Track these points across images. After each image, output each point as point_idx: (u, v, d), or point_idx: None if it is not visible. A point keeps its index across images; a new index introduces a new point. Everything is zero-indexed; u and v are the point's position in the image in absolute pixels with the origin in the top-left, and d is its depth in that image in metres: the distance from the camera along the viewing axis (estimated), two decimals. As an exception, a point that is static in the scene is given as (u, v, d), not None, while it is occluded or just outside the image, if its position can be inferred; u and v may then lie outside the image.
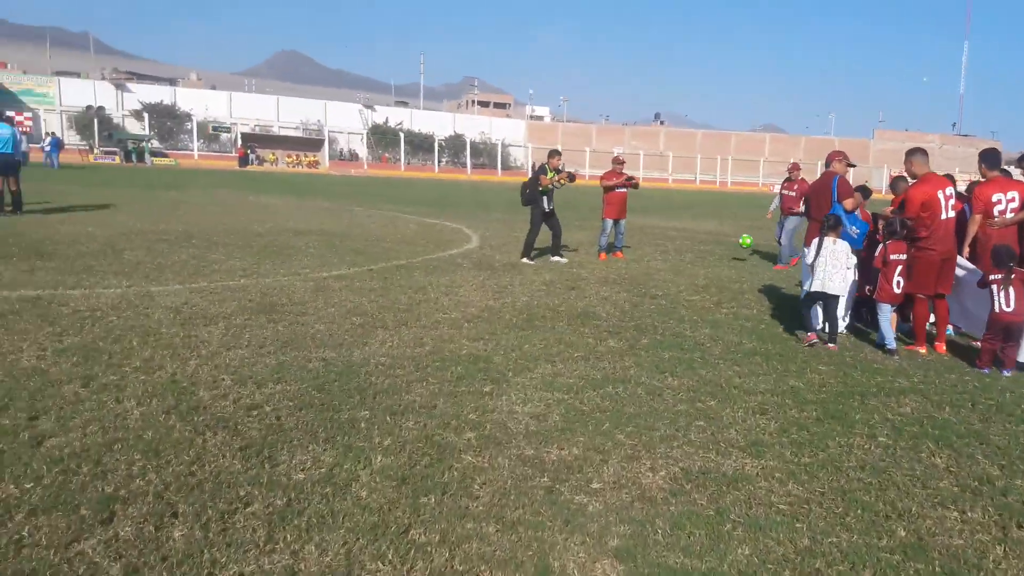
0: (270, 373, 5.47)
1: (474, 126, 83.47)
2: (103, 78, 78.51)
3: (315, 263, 10.96)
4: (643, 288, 10.30)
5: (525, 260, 12.28)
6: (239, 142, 61.95)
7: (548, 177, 12.40)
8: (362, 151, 71.64)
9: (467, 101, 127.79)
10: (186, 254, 10.96)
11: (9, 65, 77.60)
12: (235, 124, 67.46)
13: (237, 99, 75.42)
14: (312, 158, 63.83)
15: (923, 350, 7.25)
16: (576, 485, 3.89)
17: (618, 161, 13.80)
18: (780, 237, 14.13)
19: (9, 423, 4.17)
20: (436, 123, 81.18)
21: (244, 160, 55.49)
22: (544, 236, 12.78)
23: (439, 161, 72.98)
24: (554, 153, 12.94)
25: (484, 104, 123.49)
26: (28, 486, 3.48)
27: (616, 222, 13.64)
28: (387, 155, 73.80)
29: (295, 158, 63.10)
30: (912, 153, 7.39)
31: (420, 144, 75.51)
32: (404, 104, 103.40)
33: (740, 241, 13.78)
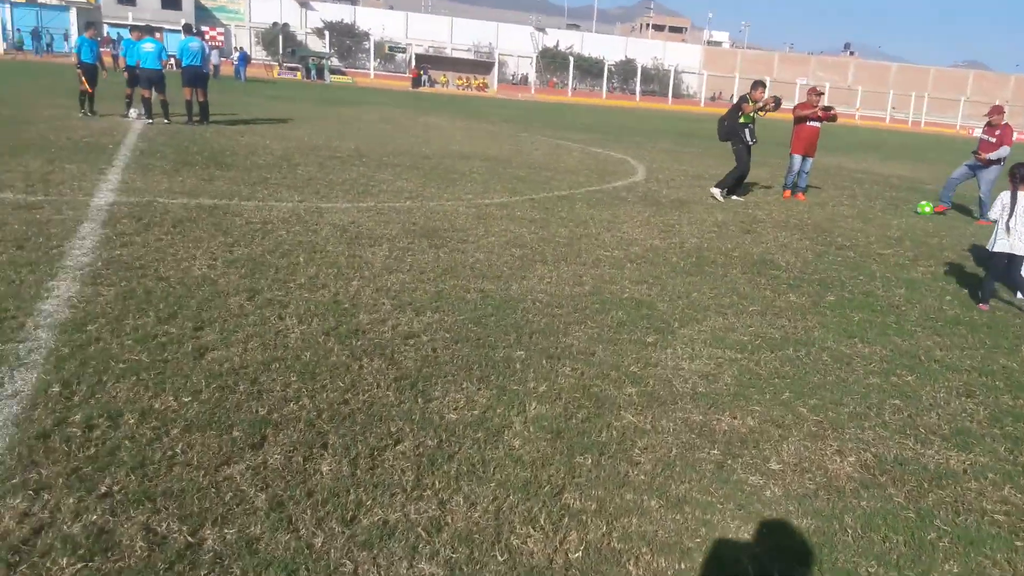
0: (428, 301, 5.35)
1: (647, 51, 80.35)
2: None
3: (478, 189, 10.81)
4: (828, 236, 9.39)
5: (716, 192, 11.66)
6: (413, 62, 63.03)
7: (751, 105, 11.49)
8: (531, 75, 70.95)
9: (641, 25, 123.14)
10: (356, 172, 11.13)
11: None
12: (410, 44, 68.61)
13: (414, 20, 76.51)
14: (481, 81, 63.99)
15: None
16: (751, 463, 3.46)
17: (816, 92, 12.50)
18: (967, 186, 12.45)
19: (176, 332, 4.26)
20: (607, 47, 78.86)
21: (417, 81, 56.46)
22: (722, 169, 11.96)
23: (608, 87, 71.10)
24: (758, 84, 11.98)
25: (659, 28, 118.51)
26: (186, 400, 3.51)
27: (804, 159, 12.53)
28: (555, 80, 72.76)
29: (465, 80, 63.52)
30: None
31: (589, 69, 73.73)
32: (575, 27, 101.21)
33: (918, 209, 12.24)
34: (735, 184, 11.81)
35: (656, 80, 76.18)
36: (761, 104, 11.47)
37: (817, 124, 12.50)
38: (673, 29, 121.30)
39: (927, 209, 12.18)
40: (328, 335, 4.48)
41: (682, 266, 7.20)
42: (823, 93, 12.82)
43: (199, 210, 7.51)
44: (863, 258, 8.27)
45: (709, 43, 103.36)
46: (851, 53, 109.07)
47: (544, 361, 4.41)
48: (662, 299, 5.99)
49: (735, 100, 11.96)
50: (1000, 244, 6.63)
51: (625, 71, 75.91)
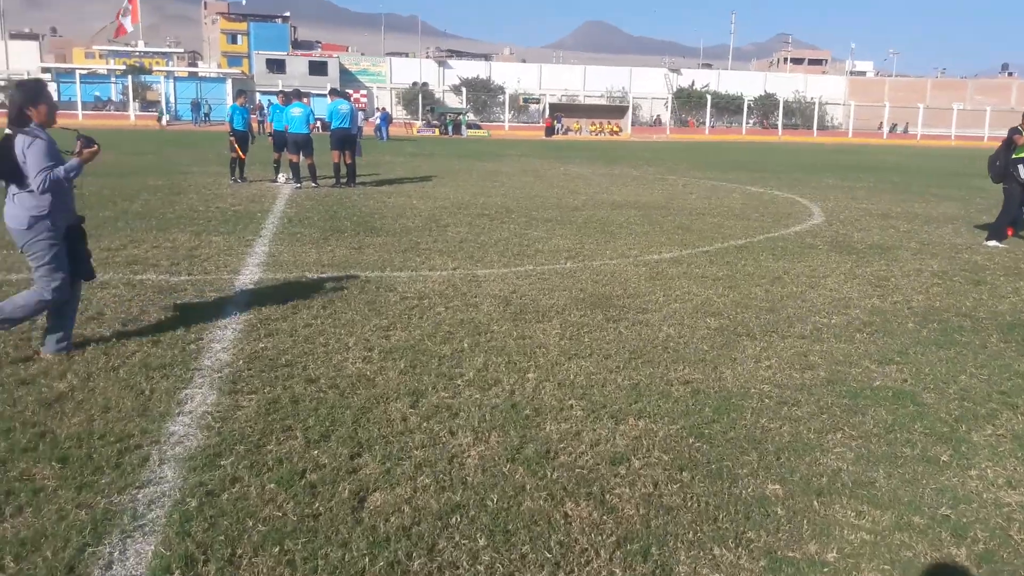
0: (625, 399, 4.25)
1: (787, 85, 77.27)
2: (427, 57, 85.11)
3: (641, 242, 9.70)
4: (1091, 287, 7.59)
5: (993, 243, 10.19)
6: (547, 112, 63.21)
7: None
8: (665, 116, 69.52)
9: (778, 59, 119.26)
10: (507, 231, 10.29)
11: (349, 49, 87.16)
12: (543, 95, 69.04)
13: (546, 71, 77.32)
14: (613, 126, 63.21)
15: None
16: None
17: None
18: None
19: (328, 463, 3.35)
20: (745, 83, 76.40)
21: (551, 130, 56.34)
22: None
23: (747, 123, 68.55)
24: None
25: (797, 62, 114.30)
26: (345, 585, 2.54)
27: None
28: (692, 119, 70.97)
29: (598, 126, 62.93)
30: None
31: (726, 106, 71.52)
32: (709, 66, 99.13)
33: None
34: (1000, 229, 10.34)
35: (798, 113, 72.84)
36: None
37: None
38: (813, 62, 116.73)
39: None
40: (514, 461, 3.45)
41: (925, 335, 5.75)
42: None
43: (350, 285, 6.80)
44: None
45: (852, 73, 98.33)
46: (1010, 73, 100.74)
47: (815, 502, 3.17)
48: (926, 387, 4.60)
49: (1010, 130, 10.39)
50: None
51: (765, 106, 73.13)
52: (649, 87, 74.54)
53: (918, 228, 11.68)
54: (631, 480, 3.31)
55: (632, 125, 65.19)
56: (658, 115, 71.93)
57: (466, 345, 5.15)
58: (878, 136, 63.47)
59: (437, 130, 53.41)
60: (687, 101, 71.86)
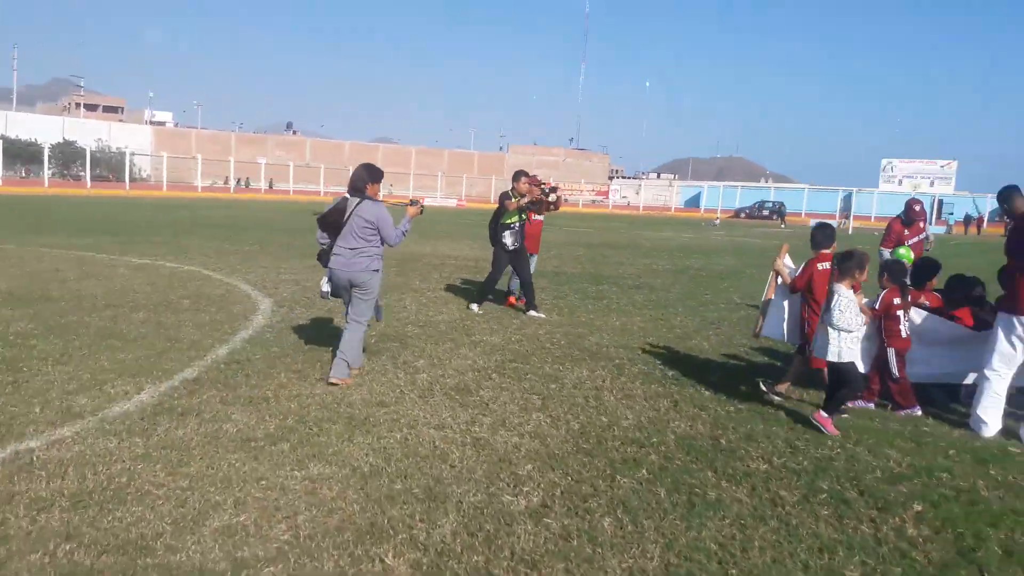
0: None
1: (88, 132, 70.56)
2: None
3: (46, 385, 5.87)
4: (609, 356, 7.16)
5: (474, 306, 9.69)
6: None
7: (515, 202, 9.26)
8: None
9: (71, 104, 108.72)
10: None
11: None
12: None
13: None
14: None
15: None
16: None
17: (535, 181, 9.97)
18: None
19: None
20: (38, 129, 66.88)
21: None
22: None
23: (48, 173, 59.67)
24: (520, 174, 9.54)
25: (92, 107, 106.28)
26: None
27: (530, 257, 10.28)
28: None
29: None
30: (1014, 191, 5.53)
31: (18, 153, 61.30)
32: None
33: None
34: (485, 291, 9.87)
35: (103, 163, 67.14)
36: (529, 198, 9.38)
37: (540, 217, 10.35)
38: (108, 108, 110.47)
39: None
40: None
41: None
42: (539, 181, 10.37)
43: None
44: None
45: (152, 123, 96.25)
46: (294, 132, 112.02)
47: None
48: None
49: (501, 194, 9.63)
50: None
51: (65, 154, 65.21)
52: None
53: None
54: None
55: None
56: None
57: None
58: (195, 190, 62.08)
59: None
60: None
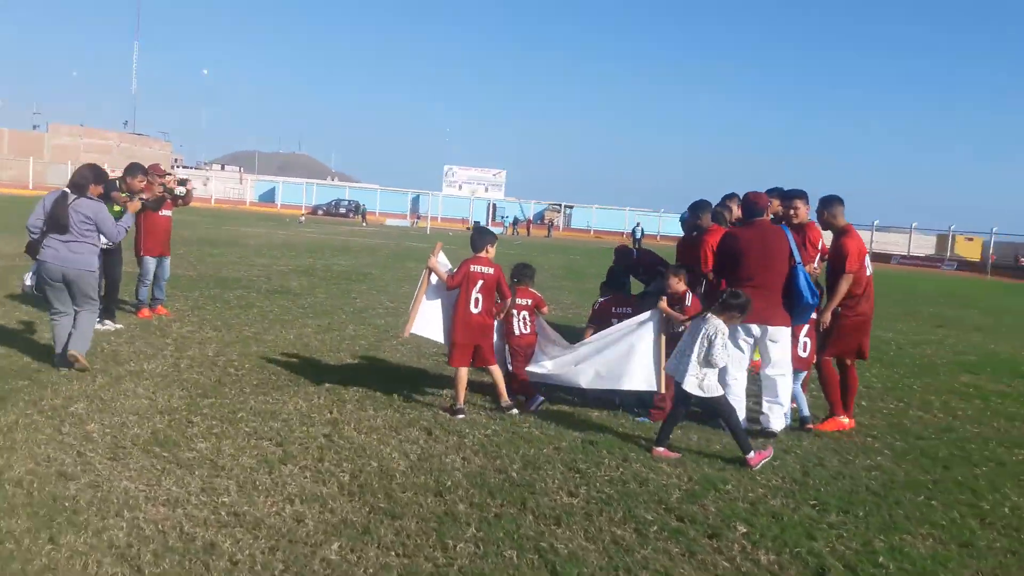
0: None
1: None
2: None
3: None
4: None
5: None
6: None
7: (125, 196, 7.25)
8: None
9: None
10: None
11: None
12: None
13: None
14: None
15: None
16: None
17: (160, 171, 8.02)
18: None
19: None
20: None
21: None
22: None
23: None
24: (136, 168, 7.70)
25: None
26: None
27: (160, 260, 8.25)
28: None
29: None
30: (832, 202, 6.14)
31: None
32: None
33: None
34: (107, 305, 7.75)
35: None
36: (149, 196, 7.31)
37: (168, 213, 8.32)
38: None
39: None
40: None
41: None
42: (163, 171, 8.38)
43: None
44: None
45: None
46: None
47: None
48: None
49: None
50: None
51: None
52: None
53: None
54: None
55: None
56: None
57: None
58: None
59: None
60: None
